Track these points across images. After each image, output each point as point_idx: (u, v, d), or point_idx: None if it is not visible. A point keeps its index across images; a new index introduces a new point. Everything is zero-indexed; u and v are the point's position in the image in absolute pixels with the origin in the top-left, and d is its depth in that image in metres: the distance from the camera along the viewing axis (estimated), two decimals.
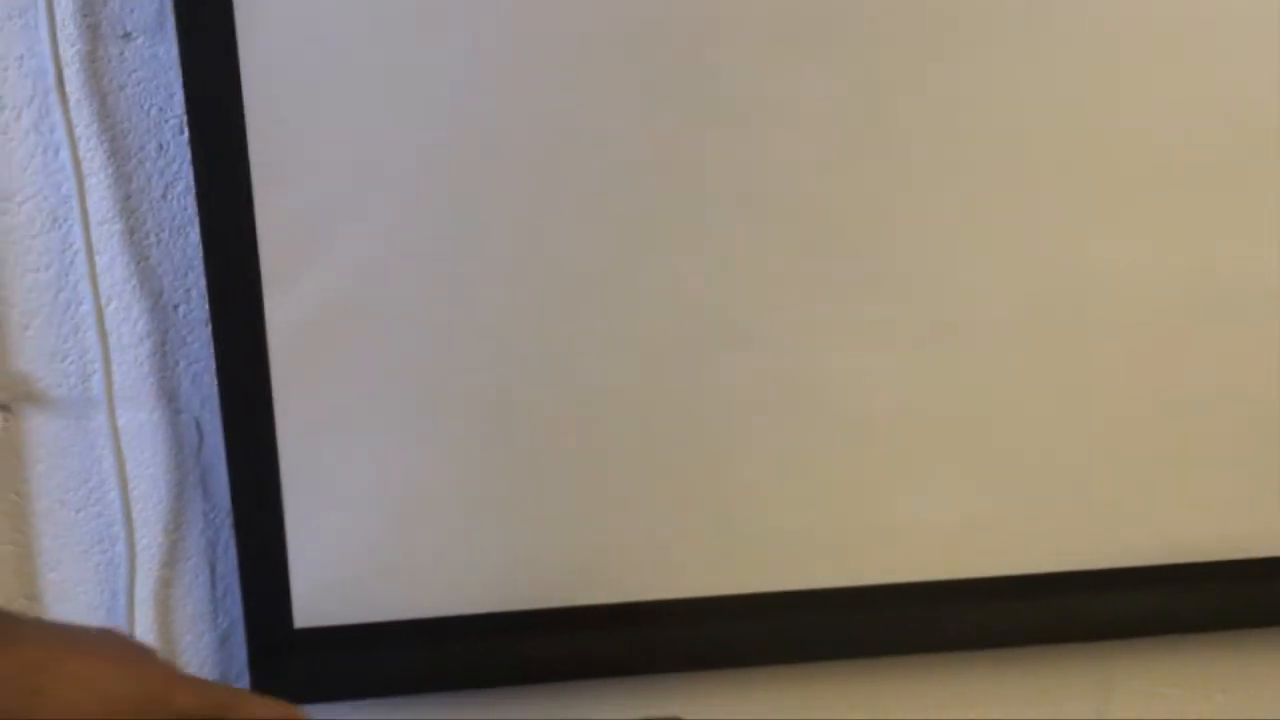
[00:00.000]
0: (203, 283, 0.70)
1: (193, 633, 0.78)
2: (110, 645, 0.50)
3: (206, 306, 0.70)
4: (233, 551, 0.75)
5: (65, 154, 0.68)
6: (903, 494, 0.78)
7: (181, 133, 0.69)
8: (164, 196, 0.71)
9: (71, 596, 0.76)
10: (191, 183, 0.69)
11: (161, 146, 0.70)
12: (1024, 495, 0.78)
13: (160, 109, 0.69)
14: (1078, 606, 0.80)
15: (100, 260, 0.71)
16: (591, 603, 0.78)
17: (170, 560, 0.76)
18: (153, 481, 0.74)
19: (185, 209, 0.71)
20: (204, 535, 0.76)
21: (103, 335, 0.71)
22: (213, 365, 0.70)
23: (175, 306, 0.72)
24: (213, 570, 0.77)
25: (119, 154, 0.69)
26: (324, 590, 0.75)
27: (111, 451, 0.72)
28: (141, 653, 0.51)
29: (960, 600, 0.79)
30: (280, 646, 0.75)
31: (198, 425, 0.74)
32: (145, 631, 0.77)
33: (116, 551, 0.75)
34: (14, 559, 0.74)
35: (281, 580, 0.75)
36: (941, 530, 0.78)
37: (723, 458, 0.76)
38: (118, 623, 0.76)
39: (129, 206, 0.70)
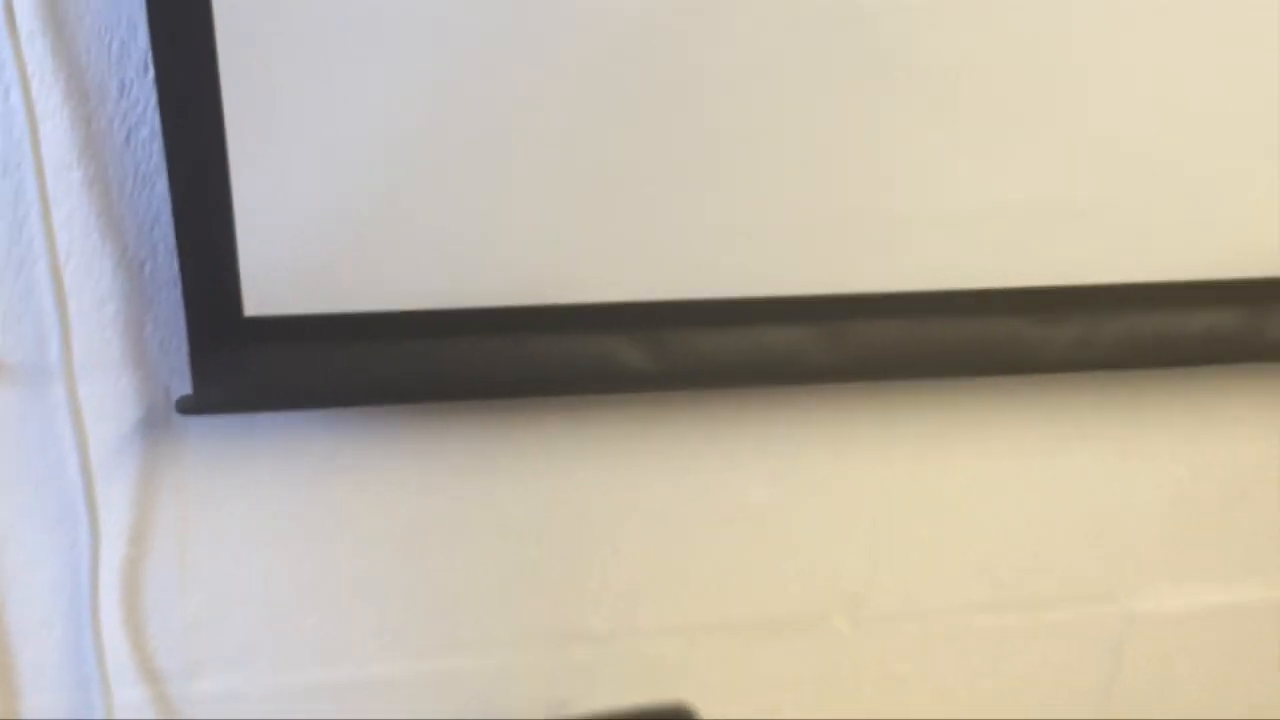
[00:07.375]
0: (171, 238, 0.63)
1: (163, 627, 0.72)
2: None
3: (175, 265, 0.63)
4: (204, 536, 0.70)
5: (17, 95, 0.61)
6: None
7: (146, 72, 0.62)
8: (127, 142, 0.63)
9: (26, 582, 0.69)
10: (158, 128, 0.62)
11: (124, 86, 0.63)
12: None
13: (123, 43, 0.62)
14: None
15: (57, 214, 0.64)
16: (588, 301, 0.68)
17: (136, 538, 0.70)
18: (117, 458, 0.68)
19: (150, 157, 0.64)
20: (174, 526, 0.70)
21: (60, 297, 0.64)
22: (184, 330, 0.64)
23: (141, 264, 0.65)
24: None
25: (76, 95, 0.62)
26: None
27: (72, 425, 0.66)
28: None
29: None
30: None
31: (167, 394, 0.67)
32: (110, 616, 0.71)
33: (79, 532, 0.69)
34: None
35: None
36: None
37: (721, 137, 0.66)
38: (81, 607, 0.70)
39: (89, 153, 0.63)
